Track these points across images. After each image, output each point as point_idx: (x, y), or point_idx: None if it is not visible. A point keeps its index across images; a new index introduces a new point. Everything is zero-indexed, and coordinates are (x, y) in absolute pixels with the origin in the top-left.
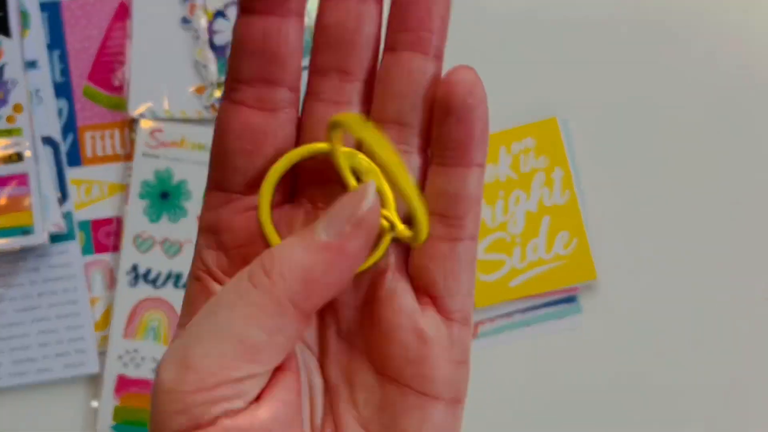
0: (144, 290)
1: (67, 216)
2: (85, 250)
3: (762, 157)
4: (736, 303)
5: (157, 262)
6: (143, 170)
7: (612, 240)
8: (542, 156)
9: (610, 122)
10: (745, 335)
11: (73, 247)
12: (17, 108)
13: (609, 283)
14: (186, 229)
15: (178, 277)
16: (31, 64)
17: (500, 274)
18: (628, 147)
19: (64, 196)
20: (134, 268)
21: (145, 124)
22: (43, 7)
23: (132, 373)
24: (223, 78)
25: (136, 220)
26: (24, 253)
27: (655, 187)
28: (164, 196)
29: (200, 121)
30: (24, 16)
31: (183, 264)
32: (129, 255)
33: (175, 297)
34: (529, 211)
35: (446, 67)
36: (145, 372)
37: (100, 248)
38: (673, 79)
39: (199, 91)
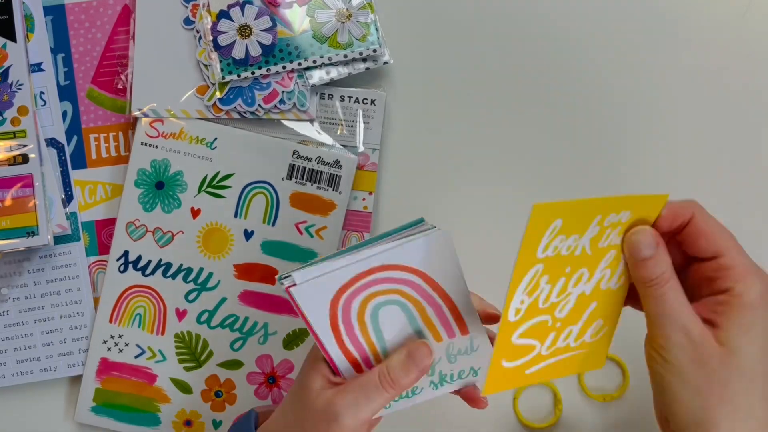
0: (132, 277)
1: (72, 217)
2: (89, 251)
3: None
4: None
5: (147, 250)
6: (141, 159)
7: None
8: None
9: None
10: None
11: (77, 247)
12: (22, 110)
13: None
14: (179, 220)
15: (167, 266)
16: (35, 67)
17: (522, 362)
18: None
19: (68, 198)
20: (125, 254)
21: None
22: (48, 10)
23: (115, 357)
24: (225, 78)
25: (130, 207)
26: (28, 253)
27: None
28: (159, 186)
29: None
30: (29, 19)
31: (173, 254)
32: (120, 241)
33: (163, 286)
34: (583, 294)
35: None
36: (128, 357)
37: (104, 249)
38: (678, 87)
39: (201, 90)
